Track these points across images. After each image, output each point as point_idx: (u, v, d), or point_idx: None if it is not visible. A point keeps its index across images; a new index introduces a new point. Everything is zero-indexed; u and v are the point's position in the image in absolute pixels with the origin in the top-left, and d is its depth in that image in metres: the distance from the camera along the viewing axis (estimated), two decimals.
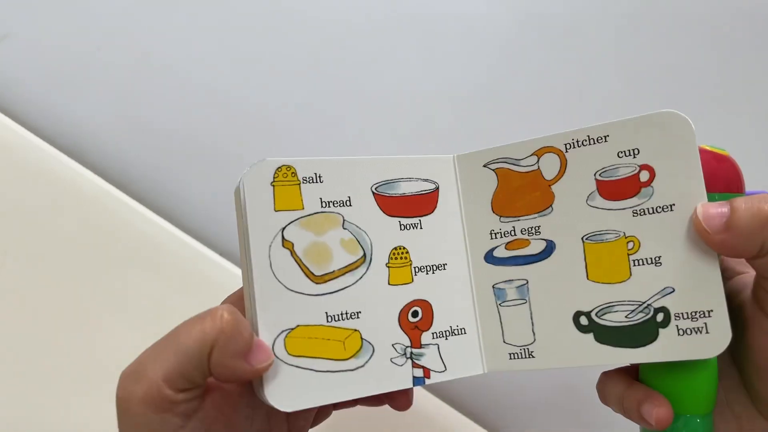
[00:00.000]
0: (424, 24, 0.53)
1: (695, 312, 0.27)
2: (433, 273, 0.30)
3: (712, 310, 0.26)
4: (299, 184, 0.28)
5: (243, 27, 0.54)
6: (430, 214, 0.30)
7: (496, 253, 0.31)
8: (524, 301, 0.30)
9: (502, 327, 0.30)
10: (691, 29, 0.51)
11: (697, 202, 0.26)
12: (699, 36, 0.51)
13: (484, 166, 0.31)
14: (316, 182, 0.28)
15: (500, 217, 0.30)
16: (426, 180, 0.31)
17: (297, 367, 0.27)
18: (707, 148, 0.28)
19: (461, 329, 0.30)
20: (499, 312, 0.30)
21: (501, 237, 0.30)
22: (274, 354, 0.26)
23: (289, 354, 0.26)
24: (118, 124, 0.54)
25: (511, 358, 0.30)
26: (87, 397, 0.48)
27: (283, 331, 0.27)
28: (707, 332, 0.26)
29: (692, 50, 0.51)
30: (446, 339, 0.30)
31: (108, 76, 0.54)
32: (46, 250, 0.50)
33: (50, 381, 0.48)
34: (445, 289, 0.30)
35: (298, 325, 0.27)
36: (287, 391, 0.26)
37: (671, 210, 0.27)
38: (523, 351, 0.30)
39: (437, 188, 0.31)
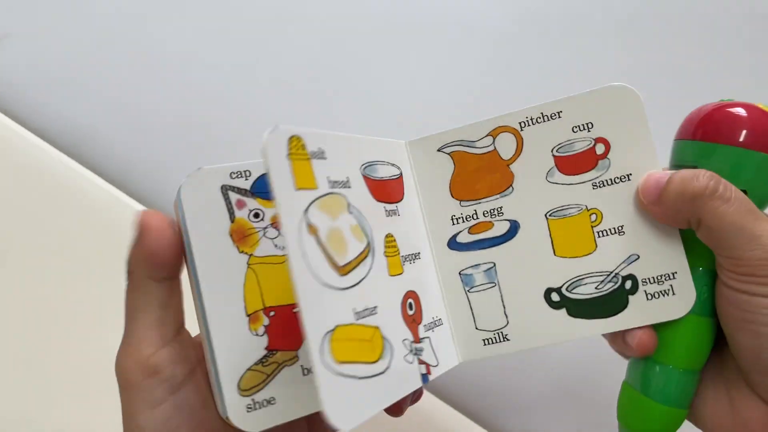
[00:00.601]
0: (422, 23, 0.53)
1: (661, 275, 0.27)
2: (414, 262, 0.29)
3: (675, 272, 0.27)
4: (309, 159, 0.24)
5: (244, 27, 0.54)
6: (401, 200, 0.29)
7: (459, 239, 0.30)
8: (493, 285, 0.30)
9: (473, 313, 0.30)
10: (691, 29, 0.51)
11: (650, 170, 0.27)
12: (700, 35, 0.51)
13: (439, 150, 0.30)
14: (321, 158, 0.24)
15: (460, 201, 0.30)
16: (393, 164, 0.29)
17: (345, 376, 0.23)
18: (761, 106, 0.28)
19: (439, 320, 0.30)
20: (468, 298, 0.30)
21: (463, 222, 0.30)
22: (323, 364, 0.22)
23: (336, 361, 0.22)
24: (118, 124, 0.54)
25: (485, 344, 0.30)
26: (86, 396, 0.48)
27: (326, 334, 0.22)
28: (674, 293, 0.27)
29: (693, 50, 0.51)
30: (433, 331, 0.29)
31: (108, 75, 0.54)
32: (46, 249, 0.50)
33: (50, 380, 0.48)
34: (423, 279, 0.29)
35: (336, 326, 0.23)
36: (346, 406, 0.22)
37: (629, 180, 0.28)
38: (497, 335, 0.30)
39: (401, 174, 0.30)
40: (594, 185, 0.28)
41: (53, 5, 0.54)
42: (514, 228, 0.29)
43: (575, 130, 0.28)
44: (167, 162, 0.54)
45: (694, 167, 0.26)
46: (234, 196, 0.27)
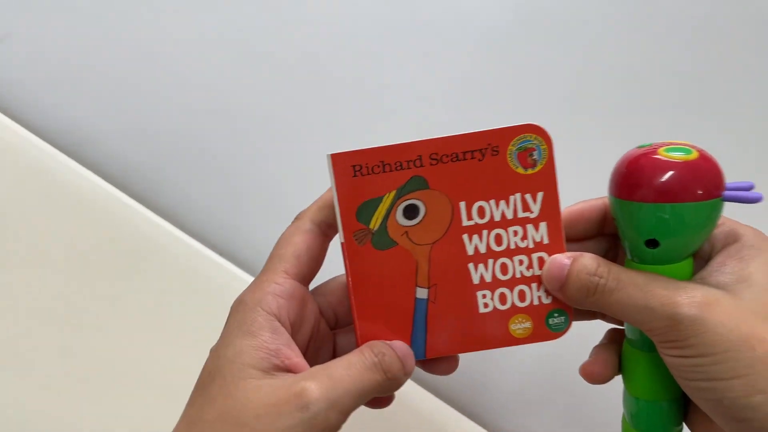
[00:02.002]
0: (422, 23, 0.53)
1: None
2: None
3: None
4: None
5: (243, 28, 0.54)
6: None
7: None
8: None
9: None
10: (690, 28, 0.51)
11: None
12: (699, 35, 0.51)
13: None
14: None
15: None
16: None
17: None
18: (661, 153, 0.27)
19: None
20: None
21: None
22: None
23: None
24: (118, 124, 0.54)
25: None
26: (86, 397, 0.48)
27: None
28: None
29: (692, 49, 0.51)
30: None
31: (108, 76, 0.54)
32: (46, 250, 0.50)
33: (49, 381, 0.48)
34: None
35: None
36: None
37: None
38: None
39: None
40: None
41: (53, 5, 0.54)
42: None
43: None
44: (167, 162, 0.54)
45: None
46: None
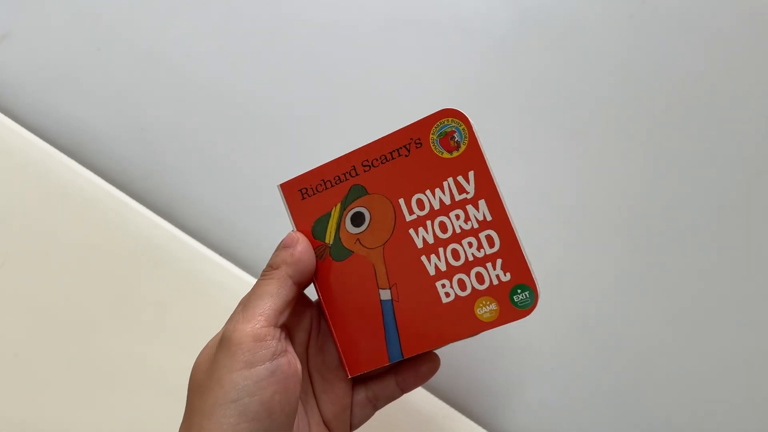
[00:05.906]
0: (422, 23, 0.53)
1: None
2: None
3: None
4: None
5: (243, 27, 0.54)
6: None
7: None
8: None
9: None
10: (691, 29, 0.51)
11: None
12: (699, 36, 0.51)
13: None
14: None
15: None
16: None
17: None
18: None
19: None
20: None
21: None
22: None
23: None
24: (118, 124, 0.54)
25: None
26: (86, 398, 0.48)
27: None
28: None
29: (692, 50, 0.51)
30: None
31: (108, 76, 0.54)
32: (46, 250, 0.50)
33: (49, 382, 0.48)
34: None
35: None
36: None
37: None
38: None
39: None
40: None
41: (53, 5, 0.54)
42: None
43: None
44: (167, 162, 0.54)
45: None
46: None
